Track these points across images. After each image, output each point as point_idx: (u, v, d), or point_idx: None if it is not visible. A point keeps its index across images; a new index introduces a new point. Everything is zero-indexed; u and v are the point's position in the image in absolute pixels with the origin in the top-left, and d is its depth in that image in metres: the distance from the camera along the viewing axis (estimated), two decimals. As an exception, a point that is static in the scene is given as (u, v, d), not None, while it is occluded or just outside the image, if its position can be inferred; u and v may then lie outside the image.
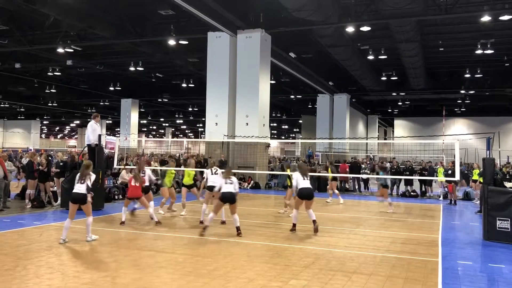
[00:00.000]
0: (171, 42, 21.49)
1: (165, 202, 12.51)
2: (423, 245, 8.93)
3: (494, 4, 17.74)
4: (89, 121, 13.67)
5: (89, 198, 8.31)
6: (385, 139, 61.35)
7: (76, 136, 78.57)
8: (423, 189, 19.78)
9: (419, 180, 19.69)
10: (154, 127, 75.03)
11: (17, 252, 7.46)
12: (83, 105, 48.45)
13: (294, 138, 73.66)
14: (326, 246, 8.52)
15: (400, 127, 48.00)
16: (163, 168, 13.06)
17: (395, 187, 20.23)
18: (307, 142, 38.46)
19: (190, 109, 47.96)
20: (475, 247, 8.99)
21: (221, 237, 9.12)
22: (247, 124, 20.55)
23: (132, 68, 28.29)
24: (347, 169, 21.03)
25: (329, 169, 17.10)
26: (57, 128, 78.36)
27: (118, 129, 47.24)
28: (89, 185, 8.36)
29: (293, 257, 7.60)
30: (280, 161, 29.67)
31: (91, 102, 46.18)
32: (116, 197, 15.29)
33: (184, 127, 72.65)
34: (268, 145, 22.75)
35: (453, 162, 14.70)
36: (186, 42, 22.14)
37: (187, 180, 12.37)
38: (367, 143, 44.72)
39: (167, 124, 69.44)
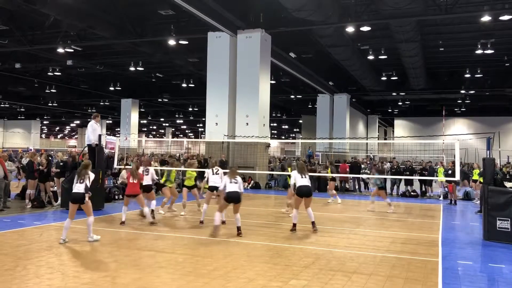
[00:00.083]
0: (171, 42, 21.50)
1: (166, 202, 12.52)
2: (423, 245, 8.93)
3: (494, 4, 17.74)
4: (89, 121, 13.67)
5: (86, 198, 8.29)
6: (385, 139, 61.35)
7: (76, 136, 78.59)
8: (423, 189, 19.78)
9: (419, 180, 19.68)
10: (154, 127, 75.05)
11: (17, 252, 7.46)
12: (83, 105, 48.47)
13: (294, 138, 73.66)
14: (326, 246, 8.52)
15: (400, 127, 48.00)
16: (170, 168, 13.04)
17: (395, 187, 20.25)
18: (307, 142, 38.44)
19: (190, 109, 47.98)
20: (475, 247, 8.99)
21: (221, 237, 9.12)
22: (247, 124, 20.55)
23: (132, 68, 28.30)
24: (347, 169, 21.04)
25: (329, 169, 17.12)
26: (57, 128, 78.39)
27: (118, 129, 47.26)
28: (88, 185, 8.35)
29: (293, 257, 7.60)
30: (280, 161, 29.67)
31: (91, 102, 46.20)
32: (116, 197, 15.28)
33: (184, 127, 72.68)
34: (268, 145, 22.75)
35: (453, 162, 14.71)
36: (186, 42, 22.15)
37: (189, 182, 12.37)
38: (367, 143, 44.70)
39: (167, 124, 69.46)
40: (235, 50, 20.82)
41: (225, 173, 10.71)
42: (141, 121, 52.72)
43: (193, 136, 77.33)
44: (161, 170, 14.48)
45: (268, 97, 21.89)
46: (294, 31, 20.40)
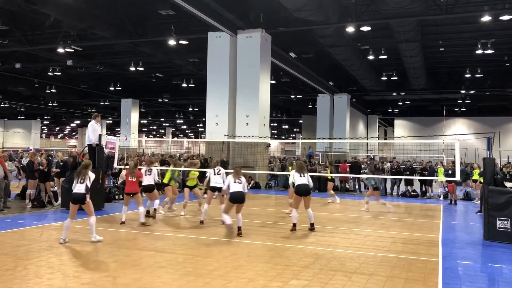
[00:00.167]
0: (171, 42, 21.50)
1: (167, 202, 12.52)
2: (423, 245, 8.93)
3: (494, 4, 17.74)
4: (90, 121, 13.69)
5: (87, 199, 8.28)
6: (385, 139, 61.35)
7: (76, 136, 78.61)
8: (424, 189, 19.79)
9: (420, 180, 19.68)
10: (155, 127, 75.06)
11: (18, 252, 7.46)
12: (84, 105, 48.48)
13: (294, 138, 73.68)
14: (326, 246, 8.52)
15: (400, 127, 47.98)
16: (175, 168, 13.05)
17: (395, 187, 20.25)
18: (307, 142, 38.45)
19: (190, 109, 47.99)
20: (475, 247, 8.99)
21: (221, 237, 9.13)
22: (247, 124, 20.55)
23: (132, 68, 28.30)
24: (347, 169, 21.04)
25: (328, 169, 17.12)
26: (58, 128, 78.40)
27: (119, 129, 47.24)
28: (89, 185, 8.33)
29: (294, 257, 7.60)
30: (280, 161, 29.67)
31: (91, 102, 46.20)
32: (116, 197, 15.29)
33: (185, 127, 72.68)
34: (268, 145, 22.75)
35: (453, 162, 14.70)
36: (186, 42, 22.15)
37: (191, 181, 12.37)
38: (367, 143, 44.70)
39: (167, 124, 69.46)
40: (235, 50, 20.82)
41: (226, 173, 10.72)
42: (141, 121, 52.73)
43: (193, 136, 77.34)
44: (164, 170, 14.45)
45: (268, 97, 21.89)
46: (294, 31, 20.41)
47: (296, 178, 10.04)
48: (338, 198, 16.44)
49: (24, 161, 17.73)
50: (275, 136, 72.41)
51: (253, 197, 17.63)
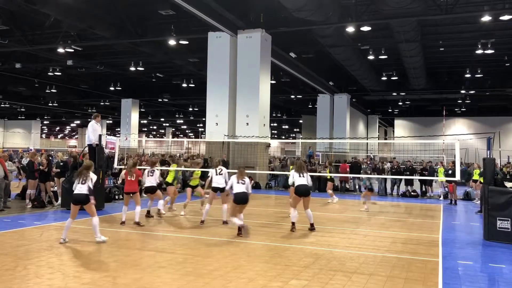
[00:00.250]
0: (172, 42, 21.50)
1: (167, 202, 12.53)
2: (423, 245, 8.93)
3: (494, 4, 17.74)
4: (90, 121, 13.69)
5: (92, 201, 8.24)
6: (385, 139, 61.37)
7: (76, 136, 78.63)
8: (424, 189, 19.79)
9: (420, 180, 19.68)
10: (155, 127, 75.07)
11: (18, 252, 7.46)
12: (84, 105, 48.49)
13: (294, 138, 73.69)
14: (326, 246, 8.52)
15: (401, 127, 48.00)
16: (178, 169, 13.06)
17: (395, 187, 20.25)
18: (307, 142, 38.47)
19: (190, 109, 47.99)
20: (475, 247, 8.99)
21: (221, 237, 9.13)
22: (247, 124, 20.56)
23: (132, 68, 28.31)
24: (348, 169, 21.04)
25: (328, 169, 17.13)
26: (58, 128, 78.40)
27: (119, 129, 47.25)
28: (91, 186, 8.28)
29: (294, 257, 7.60)
30: (280, 161, 29.69)
31: (91, 102, 46.22)
32: (116, 197, 15.29)
33: (185, 127, 72.69)
34: (268, 145, 22.75)
35: (454, 162, 14.70)
36: (187, 42, 22.15)
37: (194, 181, 12.37)
38: (367, 143, 44.72)
39: (167, 124, 69.47)
40: (235, 50, 20.83)
41: (228, 173, 10.71)
42: (141, 121, 52.73)
43: (193, 136, 77.35)
44: (168, 170, 14.44)
45: (268, 97, 21.89)
46: (294, 31, 20.41)
47: (295, 178, 10.04)
48: (336, 198, 16.45)
49: (24, 161, 17.74)
50: (275, 136, 72.41)
51: (253, 197, 17.55)
